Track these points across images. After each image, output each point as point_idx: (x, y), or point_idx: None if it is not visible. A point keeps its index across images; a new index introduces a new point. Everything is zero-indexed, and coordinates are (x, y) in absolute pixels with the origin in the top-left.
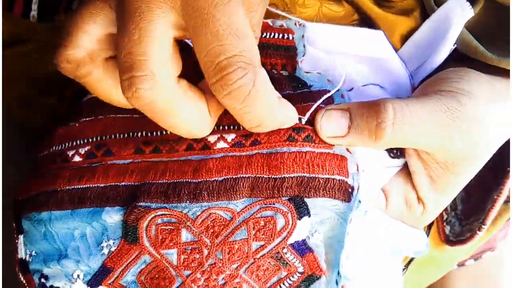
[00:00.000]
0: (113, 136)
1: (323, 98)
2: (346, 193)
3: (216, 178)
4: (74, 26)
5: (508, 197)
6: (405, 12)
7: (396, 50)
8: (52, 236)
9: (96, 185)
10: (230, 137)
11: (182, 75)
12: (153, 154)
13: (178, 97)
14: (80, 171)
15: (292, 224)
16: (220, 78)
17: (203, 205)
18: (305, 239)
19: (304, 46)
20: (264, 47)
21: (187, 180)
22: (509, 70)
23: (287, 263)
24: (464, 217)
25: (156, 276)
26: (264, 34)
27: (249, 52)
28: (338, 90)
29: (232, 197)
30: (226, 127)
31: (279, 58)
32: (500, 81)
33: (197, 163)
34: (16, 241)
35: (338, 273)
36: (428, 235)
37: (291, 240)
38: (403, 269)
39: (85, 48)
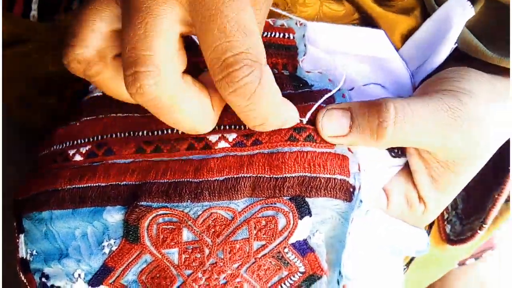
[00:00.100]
0: (114, 135)
1: (324, 98)
2: (347, 192)
3: (217, 178)
4: (80, 25)
5: (509, 196)
6: (406, 11)
7: (397, 49)
8: (53, 235)
9: (97, 184)
10: (231, 136)
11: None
12: (154, 154)
13: (182, 93)
14: (81, 170)
15: (293, 223)
16: (226, 75)
17: (204, 204)
18: (306, 239)
19: (305, 46)
20: (265, 46)
21: (188, 179)
22: (509, 69)
23: (288, 262)
24: (465, 216)
25: (157, 275)
26: (265, 33)
27: (256, 50)
28: (339, 90)
29: (233, 196)
30: (227, 127)
31: (280, 57)
32: (500, 81)
33: (198, 163)
34: (17, 240)
35: (340, 272)
36: (429, 234)
37: (292, 239)
38: (404, 268)
39: (94, 47)
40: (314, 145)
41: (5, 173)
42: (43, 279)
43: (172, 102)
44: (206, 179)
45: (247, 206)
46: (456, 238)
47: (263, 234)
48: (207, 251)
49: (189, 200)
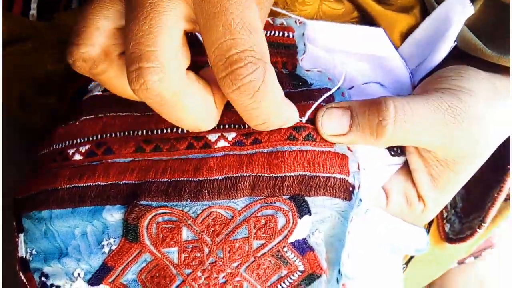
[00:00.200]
0: (113, 135)
1: (323, 97)
2: (347, 191)
3: (217, 177)
4: (85, 23)
5: (508, 195)
6: (405, 9)
7: (396, 47)
8: (52, 234)
9: (96, 183)
10: (231, 135)
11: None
12: (153, 153)
13: (186, 89)
14: (80, 170)
15: (293, 222)
16: (230, 72)
17: (204, 203)
18: (305, 238)
19: (304, 44)
20: None
21: (188, 178)
22: (509, 68)
23: (287, 261)
24: (464, 215)
25: (157, 274)
26: (265, 32)
27: (260, 48)
28: (338, 89)
29: (232, 195)
30: (227, 126)
31: (280, 56)
32: (500, 79)
33: (197, 162)
34: (17, 239)
35: (339, 271)
36: (428, 233)
37: (292, 238)
38: (403, 266)
39: (99, 45)
40: (313, 144)
41: (5, 173)
42: (43, 278)
43: (175, 99)
44: (205, 178)
45: (246, 205)
46: (455, 236)
47: (263, 233)
48: (206, 250)
49: (188, 199)
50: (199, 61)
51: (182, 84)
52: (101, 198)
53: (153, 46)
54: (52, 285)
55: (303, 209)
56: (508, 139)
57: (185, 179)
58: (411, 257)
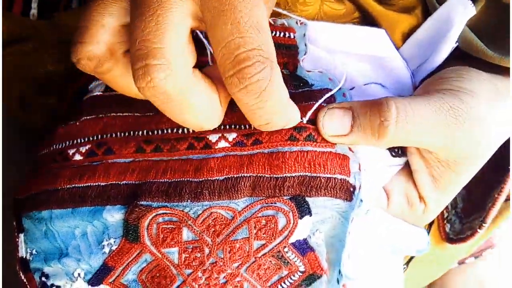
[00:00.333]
0: (114, 135)
1: (324, 97)
2: (347, 192)
3: (217, 177)
4: (89, 21)
5: (509, 195)
6: (407, 9)
7: (397, 48)
8: (53, 234)
9: (97, 183)
10: (231, 136)
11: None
12: (154, 153)
13: (193, 87)
14: (81, 170)
15: (294, 223)
16: (238, 71)
17: (204, 204)
18: (306, 238)
19: (305, 45)
20: None
21: (188, 179)
22: (510, 69)
23: (288, 262)
24: (465, 215)
25: (157, 274)
26: None
27: (267, 47)
28: (339, 89)
29: (233, 196)
30: (228, 127)
31: (281, 56)
32: (501, 80)
33: (198, 162)
34: (17, 239)
35: (339, 272)
36: (428, 233)
37: (292, 239)
38: (404, 267)
39: (104, 43)
40: (314, 145)
41: (5, 173)
42: (43, 278)
43: (181, 97)
44: (206, 178)
45: (247, 206)
46: (455, 237)
47: (263, 234)
48: (207, 250)
49: (189, 200)
50: (200, 61)
51: (188, 81)
52: (101, 198)
53: (160, 43)
54: (52, 285)
55: (303, 210)
56: (508, 140)
57: (185, 179)
58: (412, 257)
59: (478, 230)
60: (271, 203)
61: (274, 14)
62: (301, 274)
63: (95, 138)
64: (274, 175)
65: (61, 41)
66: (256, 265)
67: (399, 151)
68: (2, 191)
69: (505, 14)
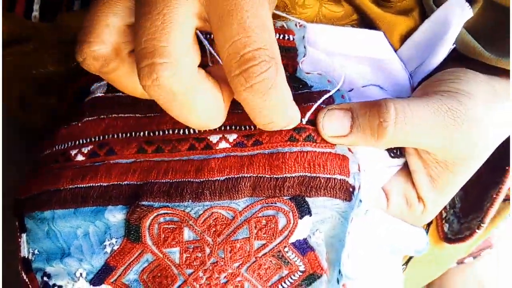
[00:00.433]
0: (115, 136)
1: (323, 98)
2: (347, 192)
3: (218, 178)
4: (94, 20)
5: (507, 195)
6: (404, 12)
7: (395, 50)
8: (55, 234)
9: (99, 184)
10: (232, 137)
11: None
12: (155, 154)
13: (198, 86)
14: (83, 170)
15: (294, 223)
16: (244, 70)
17: (205, 204)
18: (306, 238)
19: (304, 47)
20: None
21: (189, 179)
22: (507, 70)
23: (288, 261)
24: (463, 215)
25: (159, 274)
26: None
27: (273, 46)
28: (338, 91)
29: (234, 196)
30: (228, 127)
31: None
32: (498, 81)
33: (199, 163)
34: (19, 239)
35: (339, 271)
36: (427, 233)
37: (293, 239)
38: (403, 266)
39: (110, 43)
40: (314, 145)
41: (5, 173)
42: (45, 278)
43: (187, 96)
44: (207, 179)
45: (247, 206)
46: (454, 237)
47: (264, 234)
48: (208, 250)
49: (190, 200)
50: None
51: (194, 80)
52: (103, 198)
53: (166, 41)
54: (54, 285)
55: (303, 210)
56: (505, 141)
57: (186, 180)
58: (411, 257)
59: (477, 230)
60: (271, 203)
61: (273, 16)
62: (301, 273)
63: (97, 139)
64: (274, 176)
65: (62, 41)
66: (256, 265)
67: (397, 152)
68: (2, 191)
69: (502, 15)
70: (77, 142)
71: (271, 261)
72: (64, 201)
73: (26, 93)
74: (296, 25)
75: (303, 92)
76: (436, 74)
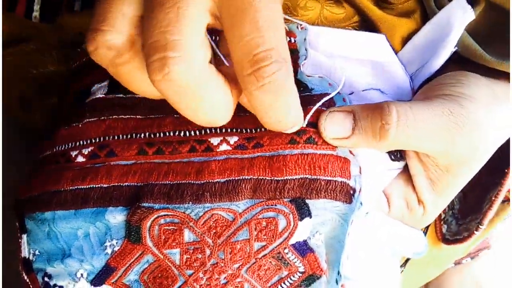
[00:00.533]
0: (116, 137)
1: (322, 100)
2: (347, 194)
3: (219, 180)
4: (109, 9)
5: (506, 196)
6: (406, 13)
7: (396, 52)
8: (55, 235)
9: (99, 185)
10: (233, 139)
11: None
12: (156, 156)
13: (208, 82)
14: (83, 172)
15: (294, 225)
16: (255, 70)
17: (205, 206)
18: (306, 240)
19: (306, 50)
20: None
21: (189, 181)
22: (508, 73)
23: (288, 263)
24: (461, 216)
25: (159, 275)
26: None
27: (284, 47)
28: (340, 94)
29: (234, 198)
30: (229, 130)
31: None
32: (499, 85)
33: (199, 165)
34: (20, 240)
35: (338, 272)
36: (425, 234)
37: (292, 240)
38: (401, 267)
39: (125, 33)
40: (315, 147)
41: (5, 173)
42: (46, 279)
43: (197, 91)
44: (207, 181)
45: (248, 208)
46: (452, 238)
47: (264, 235)
48: (208, 251)
49: (190, 202)
50: None
51: (205, 75)
52: (103, 200)
53: (179, 34)
54: (55, 285)
55: (303, 212)
56: (505, 143)
57: (187, 181)
58: (409, 258)
59: (475, 232)
60: (272, 205)
61: None
62: (300, 274)
63: (97, 140)
64: (275, 178)
65: (62, 41)
66: (256, 266)
67: (398, 155)
68: (2, 191)
69: (503, 18)
70: (78, 143)
71: (271, 262)
72: (65, 202)
73: (26, 93)
74: (297, 27)
75: (304, 95)
76: (438, 77)
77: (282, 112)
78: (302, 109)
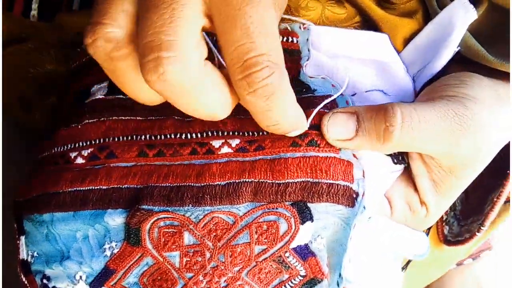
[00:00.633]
0: (116, 139)
1: (324, 102)
2: (350, 198)
3: (219, 183)
4: (110, 4)
5: (507, 197)
6: (408, 14)
7: (399, 52)
8: (54, 237)
9: (99, 187)
10: (235, 142)
11: None
12: (156, 158)
13: (204, 81)
14: (82, 173)
15: (295, 229)
16: (247, 75)
17: (205, 209)
18: (307, 244)
19: (308, 50)
20: None
21: (190, 184)
22: (510, 74)
23: (289, 266)
24: (463, 217)
25: (159, 278)
26: None
27: (276, 52)
28: (342, 96)
29: (234, 201)
30: (231, 133)
31: None
32: (502, 86)
33: (200, 167)
34: (18, 242)
35: (340, 275)
36: (427, 235)
37: (294, 244)
38: (403, 268)
39: (126, 27)
40: (317, 150)
41: (5, 173)
42: (44, 281)
43: (194, 91)
44: (207, 183)
45: (248, 211)
46: (453, 239)
47: (264, 239)
48: (208, 254)
49: (190, 204)
50: None
51: (201, 75)
52: (103, 202)
53: (173, 35)
54: (54, 287)
55: (305, 216)
56: (507, 145)
57: (187, 184)
58: (410, 260)
59: (477, 233)
60: (273, 208)
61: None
62: (301, 278)
63: (97, 141)
64: (276, 181)
65: (61, 41)
66: (257, 269)
67: (400, 158)
68: (2, 191)
69: (506, 19)
70: (77, 145)
71: (271, 265)
72: (63, 204)
73: (26, 93)
74: (300, 27)
75: (306, 96)
76: (441, 78)
77: (277, 115)
78: (304, 113)
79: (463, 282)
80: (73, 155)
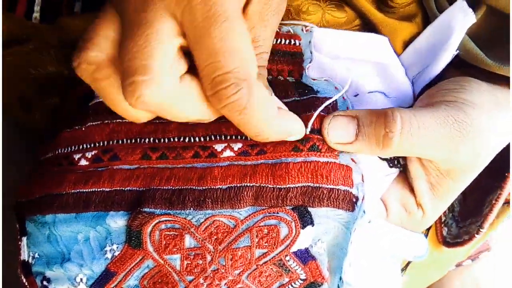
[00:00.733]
0: (120, 141)
1: (324, 105)
2: (350, 203)
3: (221, 186)
4: (94, 32)
5: (506, 199)
6: (407, 17)
7: (398, 55)
8: (55, 239)
9: (101, 189)
10: (237, 146)
11: None
12: (159, 160)
13: (184, 97)
14: (86, 175)
15: (296, 233)
16: (215, 92)
17: (207, 212)
18: (308, 248)
19: (311, 52)
20: (271, 53)
21: (191, 187)
22: (508, 77)
23: (289, 270)
24: (461, 219)
25: (159, 280)
26: None
27: (244, 68)
28: (344, 100)
29: (235, 205)
30: (234, 137)
31: (286, 64)
32: (501, 91)
33: (202, 171)
34: (19, 242)
35: (341, 278)
36: (426, 237)
37: (294, 248)
38: (402, 270)
39: (107, 52)
40: (318, 155)
41: (5, 173)
42: (45, 283)
43: (171, 107)
44: (209, 187)
45: (249, 215)
46: (452, 241)
47: (265, 243)
48: (209, 257)
49: (192, 208)
50: None
51: (178, 93)
52: (105, 204)
53: (147, 59)
54: None
55: (306, 220)
56: (506, 147)
57: (189, 187)
58: (410, 261)
59: (476, 235)
60: (274, 213)
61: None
62: (302, 282)
63: (101, 144)
64: (277, 186)
65: (62, 41)
66: (257, 272)
67: (395, 162)
68: (2, 191)
69: (504, 22)
70: (81, 147)
71: (272, 269)
72: (66, 206)
73: (26, 93)
74: (302, 30)
75: (309, 98)
76: (440, 83)
77: (256, 127)
78: (298, 118)
79: (462, 283)
80: (77, 156)
